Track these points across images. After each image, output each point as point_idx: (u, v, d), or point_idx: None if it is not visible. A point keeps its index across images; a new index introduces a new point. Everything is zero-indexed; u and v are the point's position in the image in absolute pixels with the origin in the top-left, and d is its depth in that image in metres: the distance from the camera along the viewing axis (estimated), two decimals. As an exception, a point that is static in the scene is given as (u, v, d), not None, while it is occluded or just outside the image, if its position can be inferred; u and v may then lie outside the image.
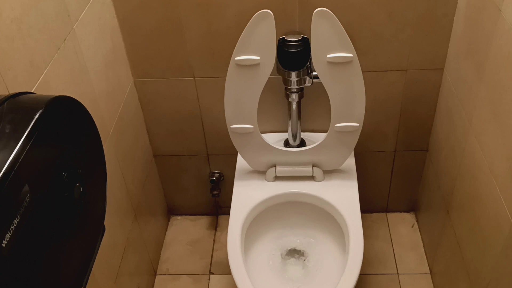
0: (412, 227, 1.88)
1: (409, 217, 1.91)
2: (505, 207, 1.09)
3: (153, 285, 1.74)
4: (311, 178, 1.49)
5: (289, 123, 1.50)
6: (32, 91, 0.91)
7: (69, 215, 0.73)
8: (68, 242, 0.75)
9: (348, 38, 1.22)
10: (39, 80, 0.94)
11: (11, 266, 0.58)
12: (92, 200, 0.82)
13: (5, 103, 0.66)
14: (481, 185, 1.22)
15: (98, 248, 0.86)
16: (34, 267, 0.65)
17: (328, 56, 1.24)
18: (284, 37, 1.34)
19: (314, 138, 1.55)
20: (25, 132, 0.61)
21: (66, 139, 0.73)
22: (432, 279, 1.70)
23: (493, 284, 1.17)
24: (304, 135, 1.56)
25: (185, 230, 1.93)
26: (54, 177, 0.68)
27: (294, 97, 1.42)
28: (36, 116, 0.64)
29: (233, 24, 1.37)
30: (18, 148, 0.60)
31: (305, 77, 1.37)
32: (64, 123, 0.72)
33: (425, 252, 1.78)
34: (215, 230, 1.93)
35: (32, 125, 0.63)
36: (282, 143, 1.57)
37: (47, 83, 0.97)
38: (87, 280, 0.81)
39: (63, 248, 0.73)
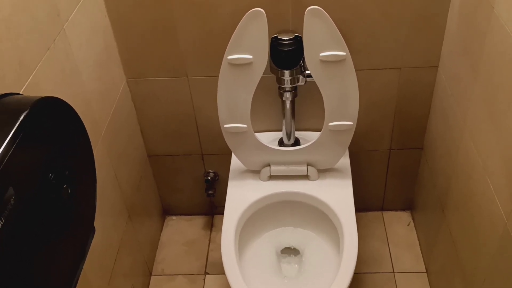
0: (408, 225, 1.87)
1: (405, 216, 1.91)
2: (499, 206, 1.08)
3: (148, 285, 1.74)
4: (306, 177, 1.49)
5: (283, 122, 1.49)
6: (20, 92, 0.90)
7: (57, 217, 0.72)
8: (57, 244, 0.74)
9: (341, 36, 1.21)
10: (28, 81, 0.93)
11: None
12: (81, 201, 0.82)
13: (-10, 105, 0.65)
14: (475, 184, 1.22)
15: (88, 249, 0.85)
16: (22, 269, 0.64)
17: (321, 54, 1.23)
18: (277, 36, 1.33)
19: (309, 137, 1.54)
20: (9, 134, 0.61)
21: (53, 141, 0.72)
22: (428, 278, 1.69)
23: (488, 283, 1.17)
24: (298, 134, 1.55)
25: (181, 230, 1.92)
26: (40, 179, 0.67)
27: (287, 96, 1.41)
28: (21, 118, 0.63)
29: (227, 23, 1.36)
30: (2, 150, 0.59)
31: (298, 75, 1.37)
32: (50, 124, 0.71)
33: (421, 251, 1.78)
34: (211, 230, 1.92)
35: (17, 127, 0.62)
36: (276, 142, 1.56)
37: (37, 84, 0.96)
38: (77, 281, 0.80)
39: (52, 249, 0.73)
